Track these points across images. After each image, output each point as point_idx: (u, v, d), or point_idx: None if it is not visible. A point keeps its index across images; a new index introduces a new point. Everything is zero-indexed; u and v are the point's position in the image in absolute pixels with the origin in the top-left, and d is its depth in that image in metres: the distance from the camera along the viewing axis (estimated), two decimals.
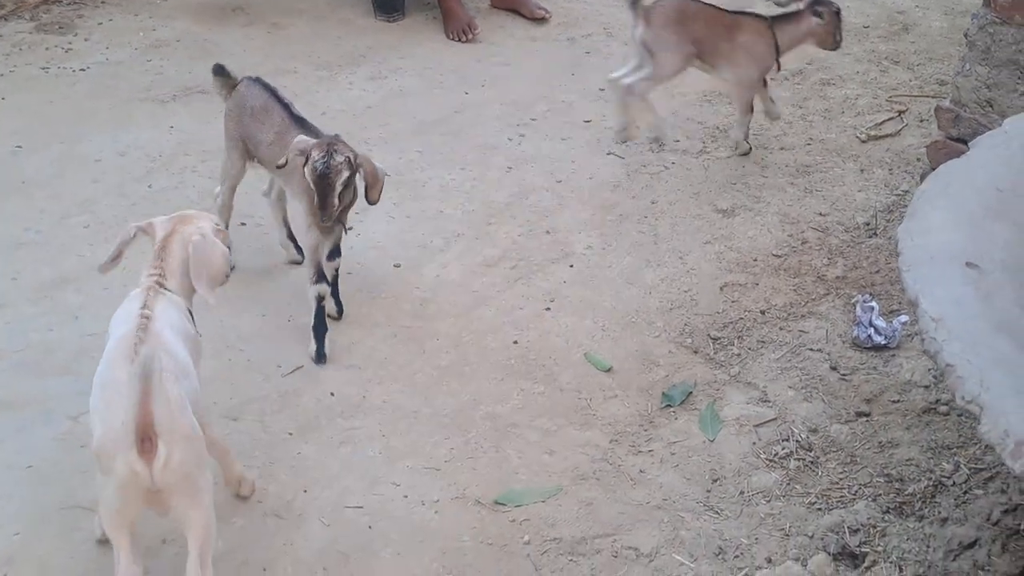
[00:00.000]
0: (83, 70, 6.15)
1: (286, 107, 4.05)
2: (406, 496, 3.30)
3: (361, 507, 3.24)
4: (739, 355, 3.92)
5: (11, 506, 3.23)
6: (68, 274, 4.36)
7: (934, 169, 4.37)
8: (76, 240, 4.61)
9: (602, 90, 6.01)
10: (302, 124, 3.97)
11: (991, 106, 4.65)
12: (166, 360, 2.58)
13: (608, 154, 5.35)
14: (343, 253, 4.04)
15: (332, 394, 3.72)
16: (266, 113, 4.05)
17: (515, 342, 4.01)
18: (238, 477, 3.20)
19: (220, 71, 4.25)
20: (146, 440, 2.41)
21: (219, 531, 3.02)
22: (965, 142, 4.54)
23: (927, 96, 5.69)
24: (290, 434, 3.53)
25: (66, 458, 3.42)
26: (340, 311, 4.11)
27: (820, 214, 4.75)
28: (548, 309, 4.20)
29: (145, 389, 2.38)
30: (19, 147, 5.38)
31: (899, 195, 4.85)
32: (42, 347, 3.92)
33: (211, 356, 3.88)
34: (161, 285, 2.93)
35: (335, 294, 4.08)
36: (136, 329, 2.68)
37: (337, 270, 4.04)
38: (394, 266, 4.47)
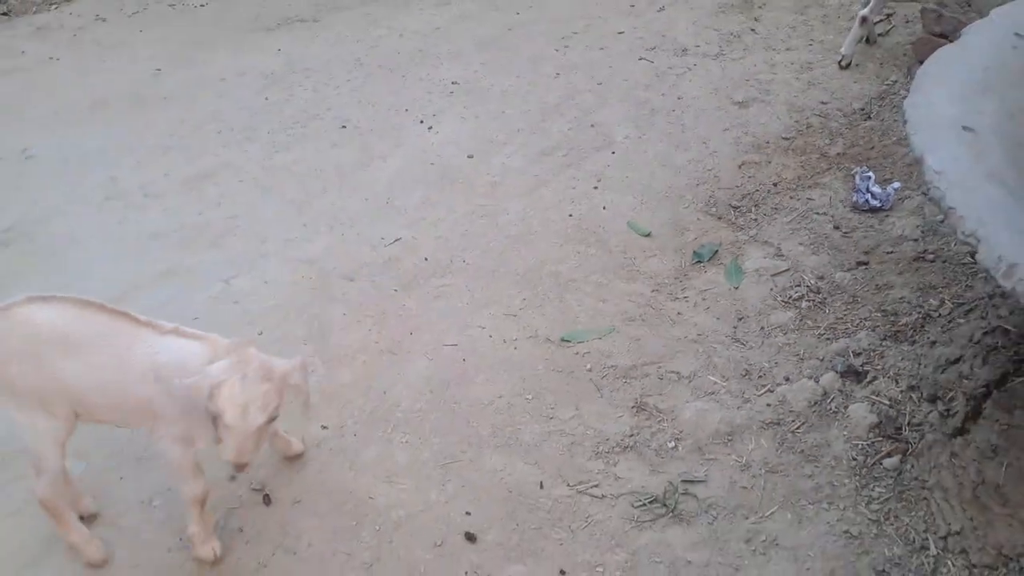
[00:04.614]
0: (202, 6, 6.10)
1: None
2: (490, 336, 3.35)
3: (456, 345, 3.31)
4: (756, 220, 3.87)
5: None
6: (207, 171, 4.40)
7: (920, 62, 4.22)
8: (211, 143, 4.64)
9: (632, 6, 5.84)
10: None
11: (969, 5, 4.45)
12: None
13: (640, 59, 5.22)
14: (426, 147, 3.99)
15: (426, 259, 3.75)
16: None
17: (570, 215, 3.99)
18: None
19: None
20: None
21: (347, 367, 3.12)
22: (947, 37, 4.35)
23: (912, 0, 5.43)
24: (395, 290, 3.58)
25: (222, 311, 3.51)
26: None
27: (822, 103, 4.62)
28: (596, 188, 4.16)
29: None
30: (159, 70, 5.38)
31: (889, 84, 4.68)
32: (194, 228, 3.99)
33: (327, 233, 3.95)
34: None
35: None
36: None
37: None
38: (468, 157, 4.44)
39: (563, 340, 3.31)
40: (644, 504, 2.67)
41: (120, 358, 2.26)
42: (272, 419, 2.20)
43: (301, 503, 2.75)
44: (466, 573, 2.53)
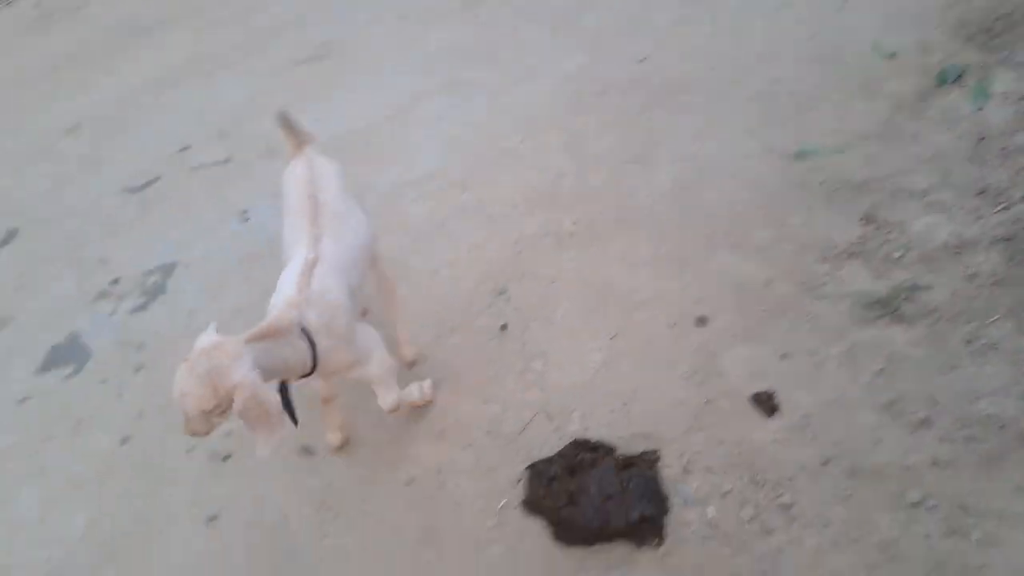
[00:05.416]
0: None
1: None
2: (729, 149, 3.54)
3: (695, 156, 3.55)
4: (1010, 42, 3.68)
5: None
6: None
7: None
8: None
9: None
10: None
11: None
12: None
13: None
14: None
15: (672, 76, 3.95)
16: None
17: (814, 35, 3.99)
18: None
19: None
20: None
21: (597, 172, 3.45)
22: None
23: None
24: (642, 105, 3.82)
25: (491, 119, 3.94)
26: None
27: None
28: (841, 8, 4.10)
29: None
30: None
31: None
32: (469, 46, 4.49)
33: (582, 51, 4.21)
34: None
35: None
36: None
37: None
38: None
39: (798, 155, 3.43)
40: (867, 305, 2.84)
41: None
42: (216, 412, 2.03)
43: (556, 283, 3.19)
44: (696, 349, 2.86)
